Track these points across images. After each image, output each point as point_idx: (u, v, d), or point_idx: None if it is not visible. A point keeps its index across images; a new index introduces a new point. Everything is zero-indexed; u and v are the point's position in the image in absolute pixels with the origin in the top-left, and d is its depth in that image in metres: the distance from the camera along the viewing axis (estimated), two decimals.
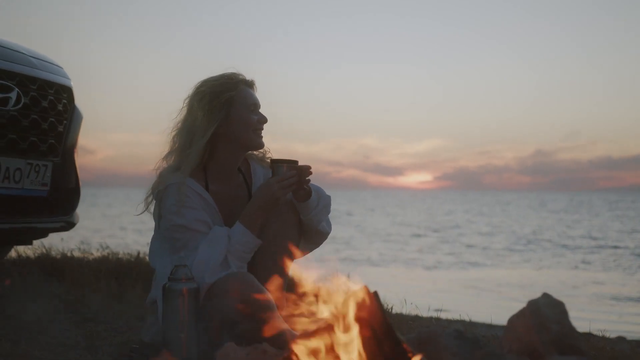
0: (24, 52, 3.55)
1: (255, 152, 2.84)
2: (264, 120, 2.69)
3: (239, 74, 2.70)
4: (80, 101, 3.91)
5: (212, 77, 2.68)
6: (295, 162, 2.59)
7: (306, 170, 2.60)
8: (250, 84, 2.72)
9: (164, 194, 2.58)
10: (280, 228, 2.65)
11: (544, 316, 1.86)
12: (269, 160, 2.80)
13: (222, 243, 2.49)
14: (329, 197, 2.77)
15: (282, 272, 2.62)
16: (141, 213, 2.67)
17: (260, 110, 2.72)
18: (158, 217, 2.64)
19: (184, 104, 2.69)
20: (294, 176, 2.56)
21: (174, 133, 2.69)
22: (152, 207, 2.67)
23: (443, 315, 4.37)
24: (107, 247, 5.46)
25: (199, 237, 2.53)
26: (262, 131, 2.71)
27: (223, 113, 2.61)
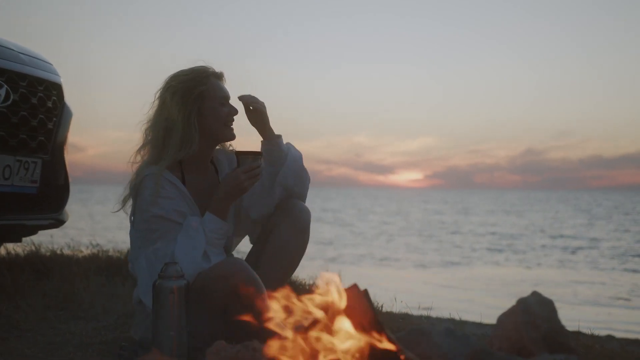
0: (13, 48, 3.53)
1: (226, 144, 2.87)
2: (234, 112, 2.73)
3: (208, 68, 2.72)
4: (73, 98, 3.90)
5: (182, 72, 2.71)
6: (260, 153, 2.66)
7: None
8: (219, 77, 2.75)
9: (140, 186, 2.60)
10: (288, 235, 2.74)
11: (534, 314, 1.87)
12: (231, 150, 2.88)
13: (200, 233, 2.52)
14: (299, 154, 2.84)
15: (285, 280, 2.75)
16: (117, 211, 2.68)
17: (231, 102, 2.76)
18: (133, 214, 2.65)
19: (156, 98, 2.71)
20: (259, 167, 2.61)
21: (146, 126, 2.71)
22: (128, 208, 2.67)
23: (432, 314, 4.38)
24: (97, 244, 5.44)
25: (176, 228, 2.56)
26: (233, 123, 2.75)
27: (195, 107, 2.64)
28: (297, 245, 2.77)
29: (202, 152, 2.71)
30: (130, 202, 2.66)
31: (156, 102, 2.70)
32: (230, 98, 2.75)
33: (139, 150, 2.71)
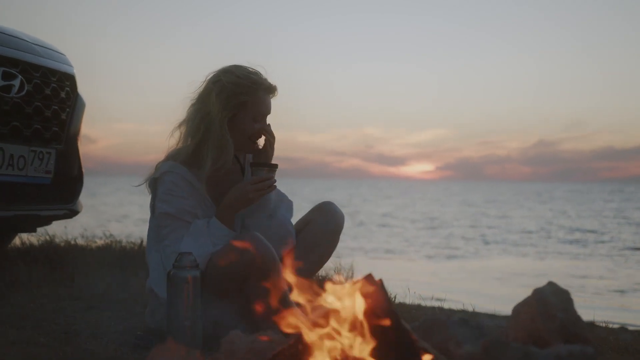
0: (27, 39, 3.54)
1: None
2: (263, 131, 2.73)
3: (263, 80, 2.69)
4: (84, 90, 3.91)
5: (238, 71, 2.68)
6: (275, 165, 2.66)
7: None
8: (270, 90, 2.72)
9: (158, 182, 2.63)
10: (320, 234, 2.79)
11: (550, 304, 1.86)
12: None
13: (206, 237, 2.55)
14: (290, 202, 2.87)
15: (310, 276, 2.76)
16: (139, 185, 2.71)
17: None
18: (152, 207, 2.68)
19: (206, 80, 2.71)
20: (270, 179, 2.62)
21: (189, 105, 2.71)
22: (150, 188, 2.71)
23: (444, 305, 4.38)
24: (111, 235, 5.46)
25: (186, 227, 2.59)
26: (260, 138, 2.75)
27: (232, 113, 2.65)
28: (327, 245, 2.80)
29: None
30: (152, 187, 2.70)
31: (204, 86, 2.70)
32: (270, 113, 2.74)
33: (178, 126, 2.72)
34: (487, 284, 10.42)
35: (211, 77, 2.69)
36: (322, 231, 2.78)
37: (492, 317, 4.37)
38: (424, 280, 10.50)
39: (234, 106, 2.63)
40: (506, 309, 4.36)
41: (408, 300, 4.14)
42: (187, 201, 2.60)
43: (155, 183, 2.65)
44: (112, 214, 27.64)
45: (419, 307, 4.05)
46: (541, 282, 1.96)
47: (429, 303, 4.34)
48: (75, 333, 2.80)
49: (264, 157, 2.74)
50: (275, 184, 2.64)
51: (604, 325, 3.72)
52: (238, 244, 2.49)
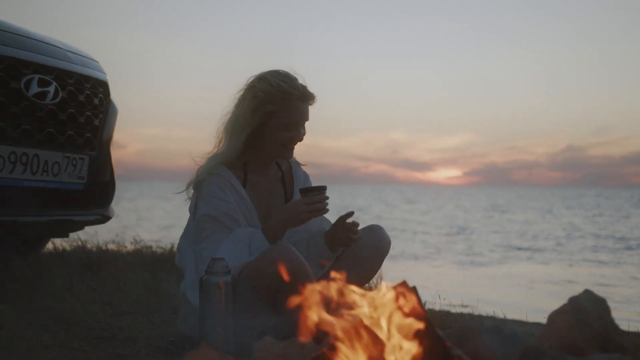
0: (60, 46, 3.59)
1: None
2: (297, 139, 2.72)
3: (295, 89, 2.67)
4: (113, 95, 3.95)
5: (272, 78, 2.68)
6: (324, 187, 2.65)
7: (349, 215, 2.74)
8: (306, 99, 2.70)
9: (202, 184, 2.65)
10: (365, 254, 2.79)
11: (586, 313, 1.85)
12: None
13: (245, 246, 2.55)
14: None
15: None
16: (180, 192, 2.74)
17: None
18: (194, 207, 2.69)
19: (246, 84, 2.73)
20: (322, 201, 2.61)
21: (235, 103, 2.74)
22: (190, 193, 2.74)
23: (472, 311, 4.35)
24: (141, 240, 5.50)
25: (225, 232, 2.59)
26: (295, 144, 2.75)
27: (261, 121, 2.66)
28: (370, 266, 2.82)
29: (262, 155, 2.74)
30: (192, 191, 2.73)
31: (242, 91, 2.72)
32: (308, 120, 2.73)
33: (224, 129, 2.74)
34: (513, 290, 10.33)
35: (249, 82, 2.72)
36: (367, 251, 2.78)
37: (521, 324, 4.33)
38: (450, 286, 10.44)
39: (264, 114, 2.65)
40: (533, 316, 4.32)
41: (437, 307, 4.12)
42: (229, 205, 2.61)
43: (199, 185, 2.67)
44: (138, 219, 27.83)
45: (448, 313, 4.03)
46: (569, 289, 1.95)
47: (457, 310, 4.32)
48: (108, 338, 2.83)
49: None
50: (327, 207, 2.63)
51: (638, 332, 3.66)
52: (269, 254, 2.49)
